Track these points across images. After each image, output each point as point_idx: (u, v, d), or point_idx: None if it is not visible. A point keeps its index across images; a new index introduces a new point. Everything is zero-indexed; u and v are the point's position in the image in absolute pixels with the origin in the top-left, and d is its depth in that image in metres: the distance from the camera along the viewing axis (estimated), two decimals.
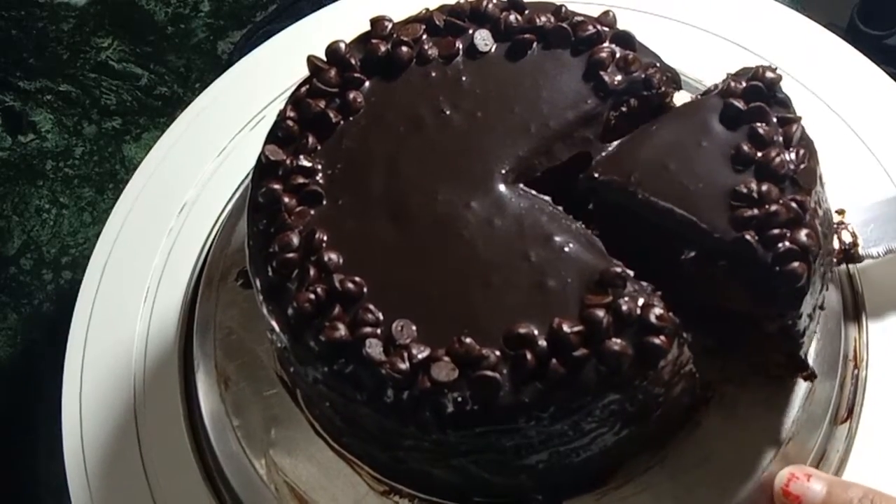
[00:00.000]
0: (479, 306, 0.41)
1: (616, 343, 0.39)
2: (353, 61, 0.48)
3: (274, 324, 0.43)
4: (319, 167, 0.46)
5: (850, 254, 0.49)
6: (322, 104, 0.47)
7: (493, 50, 0.48)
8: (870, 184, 0.54)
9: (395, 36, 0.48)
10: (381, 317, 0.41)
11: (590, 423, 0.41)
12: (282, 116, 0.47)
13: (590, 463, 0.43)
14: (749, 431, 0.46)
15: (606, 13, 0.49)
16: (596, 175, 0.44)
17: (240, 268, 0.51)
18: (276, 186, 0.45)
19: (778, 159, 0.42)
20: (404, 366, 0.40)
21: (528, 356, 0.39)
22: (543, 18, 0.48)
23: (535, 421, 0.39)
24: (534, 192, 0.45)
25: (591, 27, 0.47)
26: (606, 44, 0.47)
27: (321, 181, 0.45)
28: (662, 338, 0.39)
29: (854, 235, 0.50)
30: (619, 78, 0.46)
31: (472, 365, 0.39)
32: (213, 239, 0.58)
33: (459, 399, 0.39)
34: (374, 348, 0.40)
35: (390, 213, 0.44)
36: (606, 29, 0.48)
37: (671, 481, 0.45)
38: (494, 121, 0.46)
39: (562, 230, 0.43)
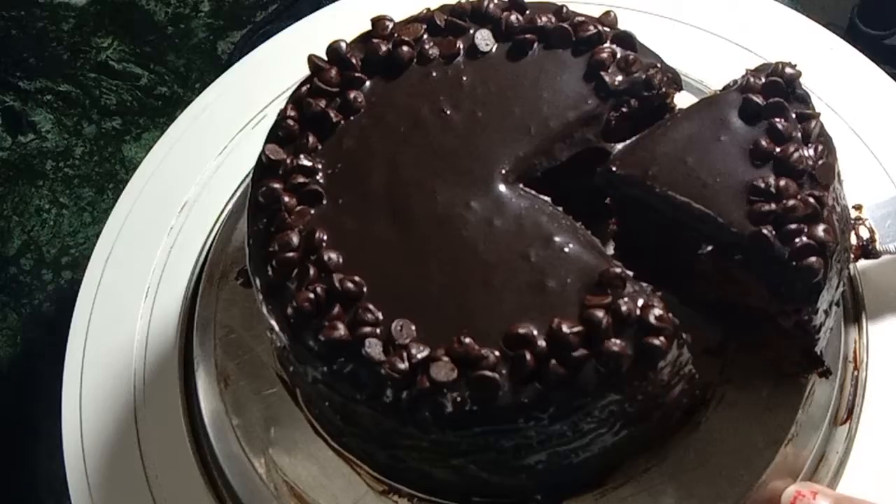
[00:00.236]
0: (478, 306, 0.41)
1: (615, 344, 0.39)
2: (353, 61, 0.48)
3: (273, 323, 0.43)
4: (320, 167, 0.46)
5: (867, 249, 0.49)
6: (323, 103, 0.47)
7: (493, 50, 0.48)
8: (869, 183, 0.53)
9: (395, 35, 0.48)
10: (380, 316, 0.41)
11: (589, 423, 0.41)
12: (282, 116, 0.47)
13: (589, 463, 0.43)
14: (748, 433, 0.46)
15: (607, 13, 0.49)
16: (614, 169, 0.44)
17: (240, 266, 0.51)
18: (277, 186, 0.45)
19: (796, 155, 0.42)
20: (403, 365, 0.40)
21: (528, 356, 0.39)
22: (544, 19, 0.48)
23: (535, 421, 0.39)
24: (534, 192, 0.45)
25: (592, 27, 0.47)
26: (607, 44, 0.47)
27: (321, 180, 0.45)
28: (662, 339, 0.39)
29: (871, 231, 0.50)
30: (619, 78, 0.46)
31: (471, 365, 0.39)
32: (214, 238, 0.58)
33: (458, 399, 0.39)
34: (373, 348, 0.40)
35: (390, 212, 0.44)
36: (607, 29, 0.48)
37: (670, 482, 0.45)
38: (495, 121, 0.46)
39: (562, 230, 0.43)
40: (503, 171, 0.45)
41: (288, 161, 0.46)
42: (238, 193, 0.60)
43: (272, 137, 0.47)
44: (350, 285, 0.42)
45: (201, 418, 0.52)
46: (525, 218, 0.43)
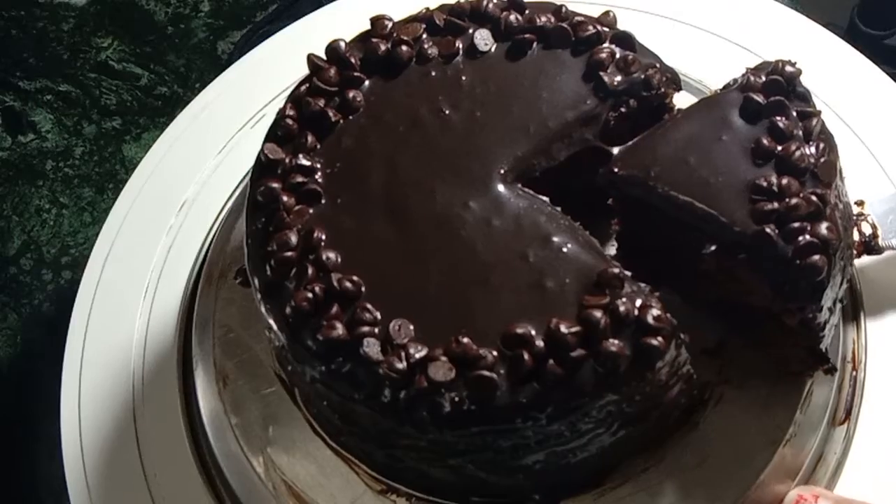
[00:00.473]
0: (476, 306, 0.41)
1: (613, 344, 0.39)
2: (352, 60, 0.48)
3: (272, 322, 0.43)
4: (318, 166, 0.46)
5: (870, 245, 0.49)
6: (321, 103, 0.47)
7: (493, 50, 0.48)
8: (868, 180, 0.53)
9: (395, 35, 0.48)
10: (378, 316, 0.41)
11: (587, 423, 0.41)
12: (281, 115, 0.47)
13: (587, 463, 0.43)
14: (747, 433, 0.46)
15: (607, 13, 0.49)
16: (616, 169, 0.44)
17: (239, 265, 0.51)
18: (275, 185, 0.45)
19: (798, 153, 0.42)
20: (401, 365, 0.40)
21: (526, 356, 0.39)
22: (544, 18, 0.48)
23: (532, 421, 0.39)
24: (532, 192, 0.45)
25: (591, 27, 0.47)
26: (606, 44, 0.47)
27: (320, 180, 0.45)
28: (660, 339, 0.39)
29: (874, 227, 0.50)
30: (618, 78, 0.46)
31: (469, 365, 0.39)
32: (213, 237, 0.58)
33: (456, 399, 0.39)
34: (371, 347, 0.40)
35: (389, 212, 0.44)
36: (606, 29, 0.48)
37: (669, 482, 0.45)
38: (493, 120, 0.46)
39: (560, 230, 0.43)
40: (502, 171, 0.45)
41: (287, 160, 0.46)
42: (237, 192, 0.59)
43: (271, 137, 0.47)
44: (348, 285, 0.42)
45: (200, 417, 0.52)
46: (523, 218, 0.43)
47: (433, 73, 0.48)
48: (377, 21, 0.49)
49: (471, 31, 0.48)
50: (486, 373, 0.39)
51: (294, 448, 0.49)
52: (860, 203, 0.50)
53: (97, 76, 0.81)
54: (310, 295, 0.42)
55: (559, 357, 0.39)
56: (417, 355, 0.40)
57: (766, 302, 0.43)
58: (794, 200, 0.41)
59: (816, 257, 0.40)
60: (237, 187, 0.60)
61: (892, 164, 0.53)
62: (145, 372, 0.55)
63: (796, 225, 0.40)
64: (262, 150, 0.46)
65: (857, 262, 0.48)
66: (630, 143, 0.45)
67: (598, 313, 0.39)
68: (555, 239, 0.43)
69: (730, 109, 0.44)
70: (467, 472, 0.43)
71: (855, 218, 0.48)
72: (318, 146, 0.46)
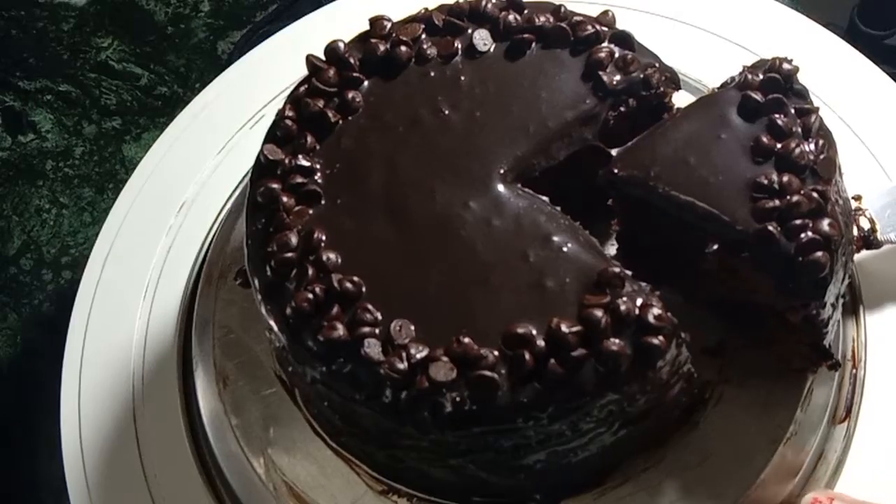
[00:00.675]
0: (477, 306, 0.41)
1: (614, 343, 0.39)
2: (352, 61, 0.48)
3: (272, 323, 0.43)
4: (318, 167, 0.46)
5: (869, 240, 0.49)
6: (321, 103, 0.47)
7: (491, 50, 0.48)
8: (865, 178, 0.54)
9: (394, 35, 0.48)
10: (379, 316, 0.41)
11: (588, 423, 0.41)
12: (280, 116, 0.47)
13: (588, 463, 0.43)
14: (747, 432, 0.46)
15: (605, 13, 0.49)
16: (616, 170, 0.44)
17: (239, 266, 0.51)
18: (275, 186, 0.45)
19: (798, 150, 0.42)
20: (402, 365, 0.40)
21: (527, 356, 0.39)
22: (542, 18, 0.48)
23: (534, 421, 0.40)
24: (532, 191, 0.45)
25: (590, 27, 0.47)
26: (605, 44, 0.47)
27: (320, 181, 0.45)
28: (661, 338, 0.39)
29: (872, 221, 0.50)
30: (617, 78, 0.46)
31: (470, 365, 0.39)
32: (213, 237, 0.58)
33: (458, 399, 0.39)
34: (372, 348, 0.40)
35: (389, 212, 0.44)
36: (605, 29, 0.48)
37: (669, 481, 0.45)
38: (493, 120, 0.46)
39: (560, 230, 0.43)
40: (501, 171, 0.45)
41: (286, 161, 0.46)
42: (237, 193, 0.59)
43: (270, 137, 0.47)
44: (349, 285, 0.42)
45: (200, 418, 0.52)
46: (523, 217, 0.43)
47: (432, 74, 0.48)
48: (376, 21, 0.49)
49: (470, 31, 0.48)
50: (487, 373, 0.39)
51: (295, 449, 0.49)
52: (858, 198, 0.50)
53: (97, 76, 0.81)
54: (310, 296, 0.42)
55: (560, 357, 0.39)
56: (418, 355, 0.40)
57: (769, 300, 0.43)
58: (795, 197, 0.41)
59: (819, 254, 0.40)
60: (237, 188, 0.60)
61: (888, 159, 0.54)
62: (145, 372, 0.55)
63: (798, 222, 0.41)
64: (261, 151, 0.46)
65: (855, 256, 0.48)
66: (629, 143, 0.46)
67: (598, 313, 0.39)
68: (555, 238, 0.43)
69: (728, 108, 0.44)
70: (468, 472, 0.43)
71: (853, 213, 0.48)
72: (318, 147, 0.46)
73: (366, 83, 0.48)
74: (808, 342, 0.44)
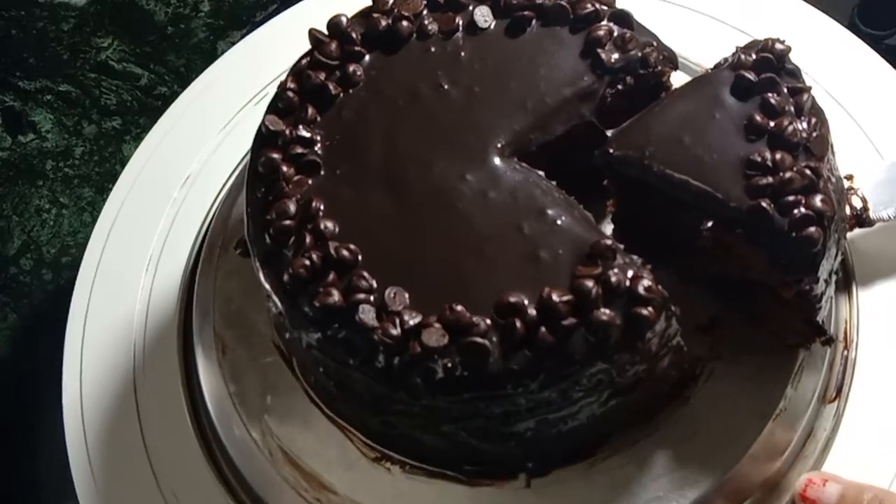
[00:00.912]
0: (471, 276, 0.42)
1: (605, 313, 0.40)
2: (353, 35, 0.48)
3: (270, 289, 0.44)
4: (318, 138, 0.46)
5: (861, 218, 0.50)
6: (322, 76, 0.47)
7: (492, 26, 0.49)
8: (857, 157, 0.54)
9: (396, 11, 0.49)
10: (374, 284, 0.42)
11: (577, 392, 0.41)
12: (282, 88, 0.48)
13: (578, 433, 0.44)
14: (737, 408, 0.47)
15: None
16: (611, 150, 0.45)
17: (240, 237, 0.52)
18: (276, 156, 0.46)
19: (790, 128, 0.43)
20: (396, 331, 0.40)
21: (518, 324, 0.40)
22: None
23: (524, 388, 0.40)
24: (528, 166, 0.45)
25: (589, 5, 0.48)
26: (604, 22, 0.48)
27: (319, 151, 0.46)
28: (650, 309, 0.40)
29: (864, 200, 0.50)
30: (616, 56, 0.47)
31: (462, 332, 0.40)
32: (215, 211, 0.59)
33: (449, 365, 0.40)
34: (366, 314, 0.41)
35: (387, 184, 0.45)
36: (605, 7, 0.48)
37: (659, 454, 0.46)
38: (492, 96, 0.47)
39: (555, 204, 0.44)
40: (499, 145, 0.45)
41: (287, 132, 0.46)
42: (240, 168, 0.60)
43: (272, 109, 0.48)
44: (345, 253, 0.42)
45: (200, 387, 0.53)
46: (519, 191, 0.44)
47: (433, 49, 0.48)
48: None
49: (471, 7, 0.49)
50: (478, 339, 0.40)
51: (291, 416, 0.50)
52: (850, 177, 0.50)
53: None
54: (307, 262, 0.42)
55: (551, 325, 0.40)
56: (412, 322, 0.41)
57: (763, 276, 0.44)
58: (788, 174, 0.41)
59: (812, 229, 0.41)
60: (240, 163, 0.60)
61: (880, 138, 0.54)
62: (147, 342, 0.56)
63: (791, 198, 0.41)
64: (263, 122, 0.47)
65: (848, 234, 0.49)
66: (624, 124, 0.46)
67: (589, 283, 0.40)
68: (549, 212, 0.43)
69: (721, 88, 0.45)
70: (459, 438, 0.44)
71: (846, 192, 0.48)
72: (319, 119, 0.47)
73: (367, 57, 0.48)
74: (802, 318, 0.45)
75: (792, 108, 0.43)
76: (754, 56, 0.44)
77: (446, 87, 0.47)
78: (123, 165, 0.74)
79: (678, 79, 0.49)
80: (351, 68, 0.48)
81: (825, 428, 0.49)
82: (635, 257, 0.42)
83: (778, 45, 0.44)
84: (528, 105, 0.46)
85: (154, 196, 0.61)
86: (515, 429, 0.42)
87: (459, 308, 0.40)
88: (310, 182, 0.45)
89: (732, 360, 0.48)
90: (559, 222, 0.43)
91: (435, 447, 0.45)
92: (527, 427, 0.42)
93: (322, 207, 0.44)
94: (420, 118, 0.46)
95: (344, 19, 0.49)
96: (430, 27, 0.48)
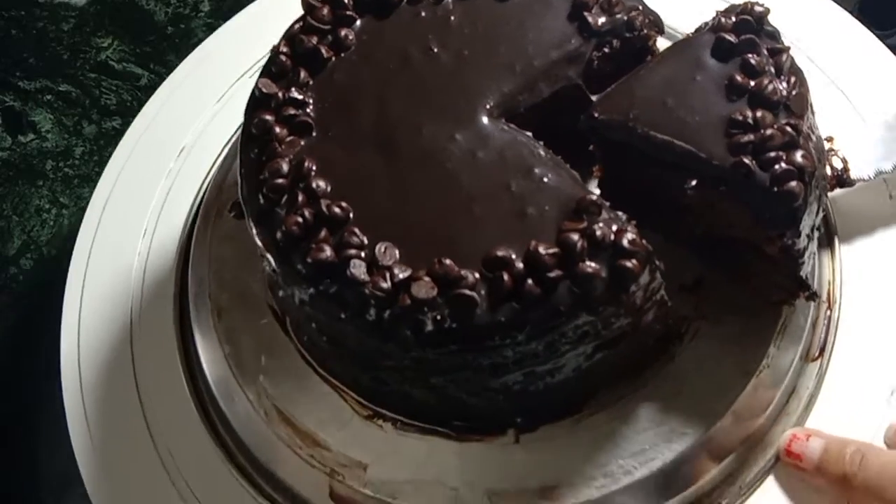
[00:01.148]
0: (460, 232, 0.43)
1: (590, 266, 0.41)
2: (345, 0, 0.49)
3: (263, 247, 0.45)
4: (310, 100, 0.47)
5: (842, 178, 0.51)
6: (315, 40, 0.48)
7: None
8: (838, 120, 0.55)
9: None
10: (365, 240, 0.43)
11: (563, 344, 0.42)
12: (275, 52, 0.49)
13: (565, 387, 0.45)
14: (721, 365, 0.48)
15: None
16: (596, 115, 0.46)
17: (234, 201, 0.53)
18: (268, 117, 0.47)
19: (770, 87, 0.44)
20: (386, 285, 0.41)
21: (506, 277, 0.41)
22: None
23: (511, 339, 0.41)
24: (516, 127, 0.46)
25: None
26: None
27: (312, 113, 0.47)
28: (634, 262, 0.41)
29: (844, 161, 0.51)
30: (602, 19, 0.48)
31: (450, 284, 0.41)
32: (210, 180, 0.59)
33: (438, 317, 0.41)
34: (357, 269, 0.42)
35: (378, 144, 0.46)
36: None
37: (644, 410, 0.47)
38: (481, 59, 0.48)
39: (542, 163, 0.44)
40: (487, 107, 0.46)
41: (280, 94, 0.47)
42: (234, 139, 0.61)
43: (265, 72, 0.49)
44: (337, 210, 0.43)
45: (196, 352, 0.54)
46: (507, 150, 0.45)
47: (423, 14, 0.49)
48: None
49: None
50: (467, 292, 0.41)
51: (286, 377, 0.50)
52: (830, 139, 0.51)
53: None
54: (300, 220, 0.43)
55: (537, 277, 0.41)
56: (401, 275, 0.41)
57: (746, 232, 0.45)
58: (768, 131, 0.42)
59: (793, 184, 0.42)
60: (234, 134, 0.61)
61: (860, 101, 0.55)
62: (143, 308, 0.57)
63: (772, 154, 0.42)
64: (256, 85, 0.48)
65: (830, 194, 0.50)
66: (609, 88, 0.47)
67: (575, 236, 0.41)
68: (537, 170, 0.44)
69: (702, 50, 0.46)
70: (449, 392, 0.45)
71: (827, 153, 0.49)
72: (311, 82, 0.48)
73: (358, 22, 0.49)
74: (786, 273, 0.46)
75: (771, 69, 0.44)
76: (734, 18, 0.45)
77: (436, 50, 0.48)
78: None
79: (664, 45, 0.50)
80: (343, 32, 0.48)
81: (808, 386, 0.50)
82: (620, 213, 0.43)
83: (757, 8, 0.45)
84: (517, 68, 0.47)
85: (151, 167, 0.62)
86: (503, 381, 0.43)
87: (448, 262, 0.41)
88: (302, 143, 0.46)
89: (717, 320, 0.49)
90: (546, 180, 0.44)
91: (425, 403, 0.46)
92: (514, 380, 0.43)
93: (314, 167, 0.45)
94: (410, 81, 0.47)
95: None
96: None
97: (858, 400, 0.49)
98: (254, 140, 0.47)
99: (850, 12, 0.62)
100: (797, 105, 0.43)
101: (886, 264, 0.52)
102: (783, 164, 0.42)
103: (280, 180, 0.45)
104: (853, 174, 0.50)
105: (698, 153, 0.44)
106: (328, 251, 0.43)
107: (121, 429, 0.54)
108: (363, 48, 0.49)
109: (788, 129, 0.43)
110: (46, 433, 0.65)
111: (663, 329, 0.46)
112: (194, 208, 0.59)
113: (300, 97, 0.47)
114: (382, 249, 0.42)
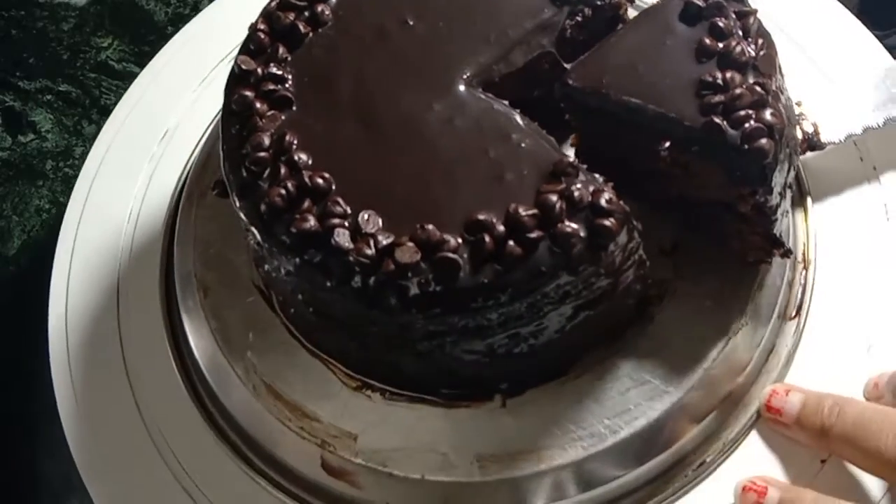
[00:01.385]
0: (441, 198, 0.44)
1: (569, 226, 0.42)
2: None
3: (247, 220, 0.45)
4: (289, 76, 0.48)
5: (813, 142, 0.52)
6: (292, 16, 0.49)
7: None
8: (808, 84, 0.56)
9: None
10: (348, 210, 0.44)
11: (546, 305, 0.43)
12: (253, 29, 0.49)
13: (550, 350, 0.46)
14: (700, 325, 0.49)
15: None
16: (570, 81, 0.47)
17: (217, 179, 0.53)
18: (248, 93, 0.47)
19: (739, 48, 0.45)
20: (370, 251, 0.42)
21: (487, 239, 0.41)
22: None
23: (494, 301, 0.42)
24: (493, 96, 0.47)
25: None
26: None
27: (291, 88, 0.47)
28: (612, 220, 0.42)
29: (815, 125, 0.53)
30: None
31: (433, 248, 0.42)
32: (193, 162, 0.60)
33: (422, 281, 0.42)
34: (341, 237, 0.43)
35: (357, 116, 0.47)
36: None
37: (627, 370, 0.48)
38: (456, 30, 0.48)
39: (518, 129, 0.45)
40: (464, 76, 0.47)
41: (259, 70, 0.48)
42: (216, 121, 0.61)
43: (244, 50, 0.49)
44: (319, 181, 0.44)
45: (184, 331, 0.55)
46: (484, 118, 0.46)
47: None
48: None
49: None
50: (449, 254, 0.41)
51: (274, 352, 0.51)
52: (799, 103, 0.52)
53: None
54: (283, 191, 0.44)
55: (518, 239, 0.41)
56: (385, 242, 0.42)
57: (720, 192, 0.46)
58: (738, 91, 0.43)
59: (763, 141, 0.43)
60: (216, 116, 0.62)
61: (828, 64, 0.56)
62: (130, 289, 0.57)
63: (742, 113, 0.43)
64: (235, 62, 0.48)
65: (801, 157, 0.51)
66: (582, 56, 0.48)
67: (553, 198, 0.42)
68: (514, 136, 0.45)
69: (671, 15, 0.47)
70: (435, 358, 0.45)
71: (798, 117, 0.50)
72: (289, 57, 0.48)
73: None
74: (760, 231, 0.47)
75: (739, 31, 0.45)
76: None
77: (412, 23, 0.49)
78: None
79: (635, 13, 0.51)
80: (319, 8, 0.49)
81: (787, 344, 0.51)
82: (597, 175, 0.44)
83: None
84: (492, 38, 0.48)
85: (133, 151, 0.62)
86: (488, 343, 0.44)
87: (430, 227, 0.42)
88: (283, 117, 0.47)
89: (695, 280, 0.50)
90: (523, 145, 0.45)
91: (413, 372, 0.47)
92: (499, 342, 0.44)
93: (295, 140, 0.46)
94: (387, 53, 0.48)
95: None
96: None
97: (836, 356, 0.51)
98: (234, 116, 0.47)
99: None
100: (765, 65, 0.44)
101: (858, 223, 0.53)
102: (753, 122, 0.43)
103: (262, 154, 0.45)
104: (824, 137, 0.51)
105: (670, 115, 0.45)
106: (312, 221, 0.43)
107: (111, 410, 0.54)
108: (340, 23, 0.49)
109: (757, 88, 0.44)
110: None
111: (643, 290, 0.47)
112: (178, 190, 0.59)
113: (279, 72, 0.48)
114: (365, 217, 0.43)
